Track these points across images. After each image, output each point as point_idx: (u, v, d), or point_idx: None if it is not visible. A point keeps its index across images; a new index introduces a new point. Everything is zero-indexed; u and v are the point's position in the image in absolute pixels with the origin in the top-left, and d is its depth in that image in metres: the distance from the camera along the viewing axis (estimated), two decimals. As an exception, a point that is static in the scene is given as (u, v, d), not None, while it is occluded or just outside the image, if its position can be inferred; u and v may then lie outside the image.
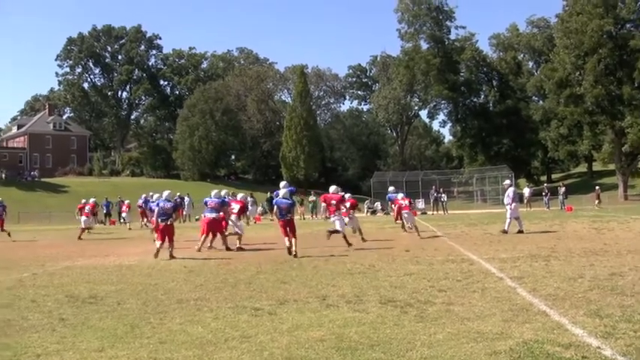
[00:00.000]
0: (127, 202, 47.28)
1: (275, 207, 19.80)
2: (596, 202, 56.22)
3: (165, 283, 13.47)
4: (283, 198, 19.64)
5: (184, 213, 48.08)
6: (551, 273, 12.89)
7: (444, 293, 10.81)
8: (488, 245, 19.92)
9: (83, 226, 32.86)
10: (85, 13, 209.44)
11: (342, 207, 22.19)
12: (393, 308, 9.61)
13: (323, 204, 22.37)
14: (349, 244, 20.70)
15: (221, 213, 21.59)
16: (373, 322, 8.71)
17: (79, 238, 31.27)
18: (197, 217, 33.45)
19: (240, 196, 24.06)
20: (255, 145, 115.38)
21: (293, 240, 18.81)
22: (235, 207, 22.38)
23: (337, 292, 11.27)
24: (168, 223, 19.53)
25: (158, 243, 19.36)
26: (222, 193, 23.37)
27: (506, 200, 25.75)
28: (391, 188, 28.80)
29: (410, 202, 26.66)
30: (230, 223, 22.27)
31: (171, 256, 18.98)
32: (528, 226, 28.22)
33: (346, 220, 22.40)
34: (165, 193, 20.44)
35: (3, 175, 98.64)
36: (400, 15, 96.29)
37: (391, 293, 10.98)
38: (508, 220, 25.19)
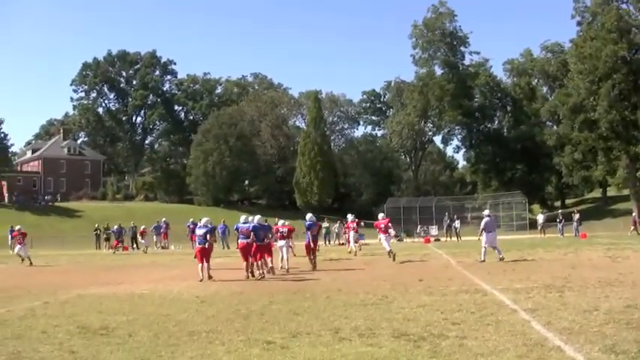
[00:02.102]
0: (142, 227, 47.84)
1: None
2: (632, 228, 54.49)
3: (177, 313, 13.39)
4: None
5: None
6: (565, 305, 12.78)
7: (458, 326, 10.71)
8: (502, 274, 19.78)
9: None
10: (100, 38, 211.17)
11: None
12: (406, 342, 9.51)
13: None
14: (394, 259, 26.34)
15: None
16: (386, 357, 8.63)
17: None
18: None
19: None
20: (268, 171, 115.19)
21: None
22: None
23: (350, 325, 11.16)
24: (206, 246, 21.25)
25: (199, 265, 21.01)
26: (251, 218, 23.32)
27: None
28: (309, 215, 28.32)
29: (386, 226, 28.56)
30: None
31: (209, 277, 20.75)
32: (543, 254, 28.22)
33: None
34: (203, 220, 22.24)
35: (13, 199, 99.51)
36: (414, 41, 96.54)
37: (404, 326, 10.88)
38: (483, 249, 25.80)
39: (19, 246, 35.26)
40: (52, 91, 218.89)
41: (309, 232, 25.45)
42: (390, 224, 29.70)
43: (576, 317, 11.21)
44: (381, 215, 30.02)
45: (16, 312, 14.32)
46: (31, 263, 32.96)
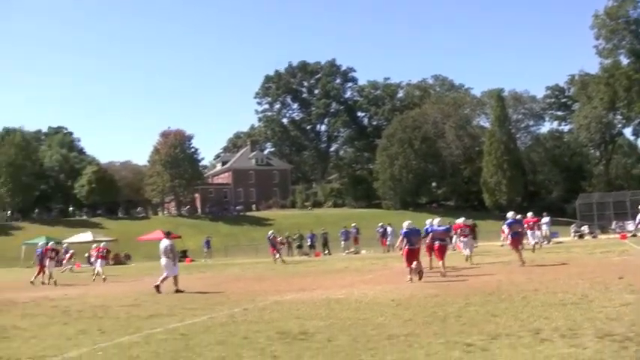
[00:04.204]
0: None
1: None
2: None
3: (374, 317, 13.41)
4: (438, 226, 24.06)
5: (388, 243, 48.32)
6: None
7: (667, 325, 10.25)
8: None
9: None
10: (280, 50, 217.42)
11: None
12: (611, 343, 9.17)
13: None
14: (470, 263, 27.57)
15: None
16: (591, 358, 8.34)
17: None
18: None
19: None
20: (455, 172, 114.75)
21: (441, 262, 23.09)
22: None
23: (550, 326, 10.86)
24: (415, 247, 21.46)
25: (408, 269, 21.42)
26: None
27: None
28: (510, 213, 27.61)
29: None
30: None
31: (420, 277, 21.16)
32: None
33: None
34: (405, 224, 22.10)
35: (207, 210, 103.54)
36: (597, 31, 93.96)
37: (608, 326, 10.49)
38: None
39: (100, 260, 33.49)
40: (238, 105, 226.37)
41: (510, 229, 25.68)
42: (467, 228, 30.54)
43: None
44: (462, 219, 31.72)
45: (218, 318, 14.77)
46: (104, 279, 31.96)
